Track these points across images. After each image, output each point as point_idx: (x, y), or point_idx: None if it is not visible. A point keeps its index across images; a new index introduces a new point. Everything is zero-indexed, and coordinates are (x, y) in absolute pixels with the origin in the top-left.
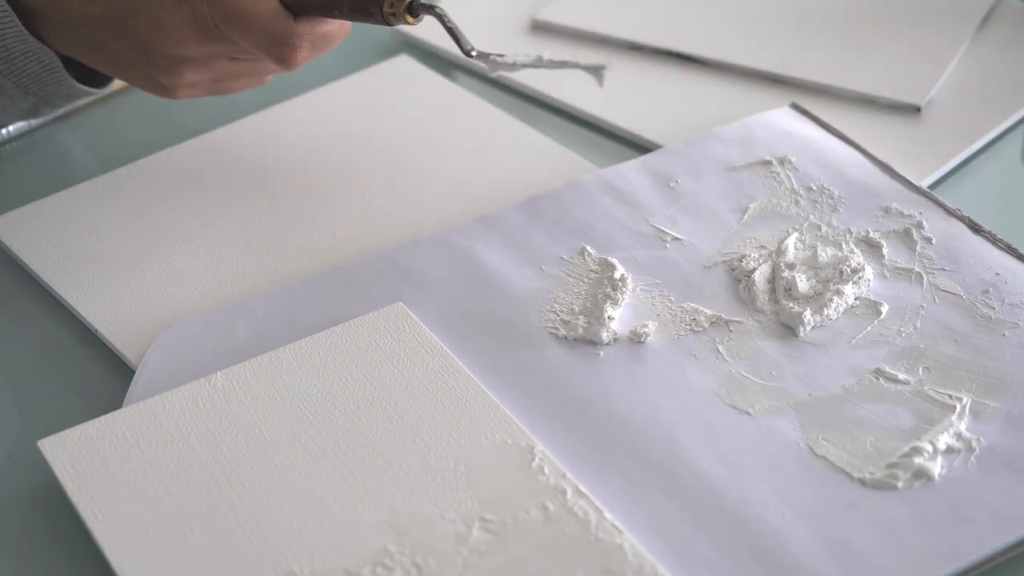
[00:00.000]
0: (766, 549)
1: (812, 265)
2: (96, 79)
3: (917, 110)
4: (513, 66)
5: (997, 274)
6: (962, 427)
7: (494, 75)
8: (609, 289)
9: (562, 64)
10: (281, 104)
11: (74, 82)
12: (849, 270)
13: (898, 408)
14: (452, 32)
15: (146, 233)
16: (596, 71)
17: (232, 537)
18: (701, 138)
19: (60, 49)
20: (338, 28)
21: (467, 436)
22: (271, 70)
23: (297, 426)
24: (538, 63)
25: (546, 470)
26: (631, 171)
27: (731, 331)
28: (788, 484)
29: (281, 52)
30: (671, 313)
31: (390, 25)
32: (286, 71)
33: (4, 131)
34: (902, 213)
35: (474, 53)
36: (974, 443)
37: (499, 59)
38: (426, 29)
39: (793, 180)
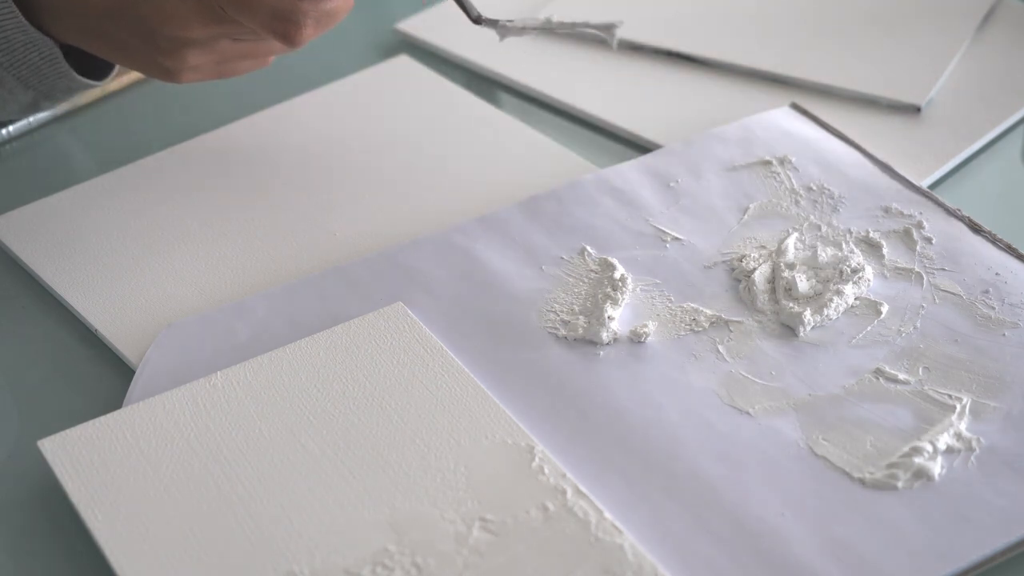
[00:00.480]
0: (766, 549)
1: (812, 265)
2: (96, 72)
3: (917, 110)
4: (523, 30)
5: (997, 274)
6: (962, 427)
7: (503, 41)
8: (609, 289)
9: (572, 26)
10: (281, 104)
11: (74, 74)
12: (849, 270)
13: (898, 408)
14: (459, 0)
15: (146, 233)
16: (607, 30)
17: (232, 537)
18: (701, 138)
19: (62, 38)
20: (342, 4)
21: (467, 436)
22: (275, 50)
23: (297, 426)
24: (547, 26)
25: (546, 470)
26: (631, 171)
27: (731, 331)
28: (788, 484)
29: (286, 29)
30: (671, 313)
31: None
32: (291, 49)
33: (4, 131)
34: (902, 213)
35: (482, 20)
36: (974, 443)
37: (508, 24)
38: (427, 29)
39: (793, 180)
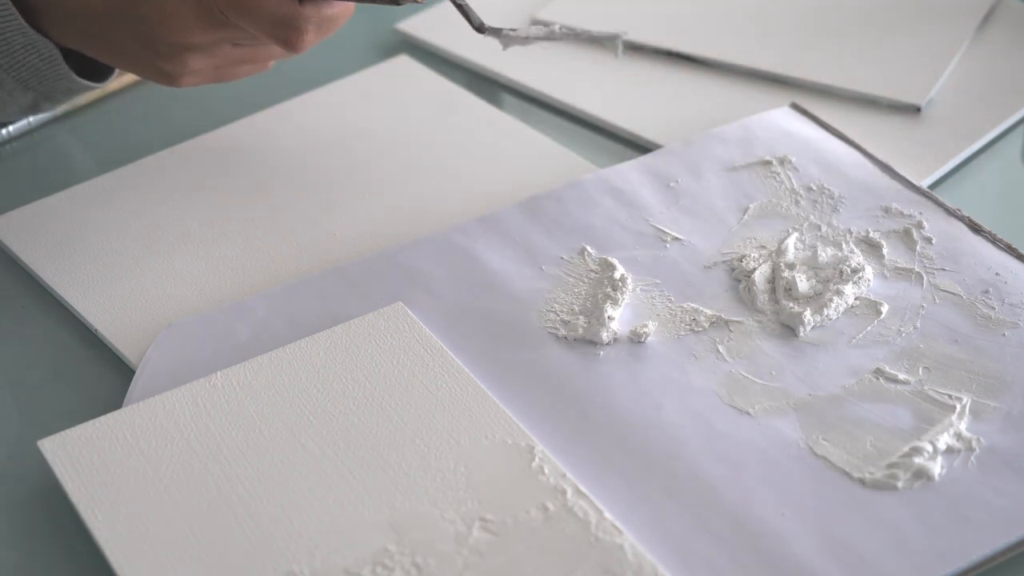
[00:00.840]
0: (766, 549)
1: (812, 265)
2: (96, 73)
3: (917, 110)
4: (526, 40)
5: (997, 274)
6: (962, 427)
7: (506, 50)
8: (609, 289)
9: (575, 35)
10: (281, 104)
11: (74, 75)
12: (849, 270)
13: (898, 408)
14: (462, 8)
15: (146, 233)
16: (611, 40)
17: (232, 537)
18: (701, 138)
19: (62, 42)
20: (343, 10)
21: (467, 436)
22: (275, 55)
23: (297, 426)
24: (551, 35)
25: (546, 470)
26: (631, 171)
27: (731, 331)
28: (788, 484)
29: (287, 35)
30: (671, 313)
31: (398, 4)
32: (291, 55)
33: (4, 131)
34: (902, 213)
35: (485, 29)
36: (974, 443)
37: (511, 34)
38: (427, 29)
39: (793, 180)
